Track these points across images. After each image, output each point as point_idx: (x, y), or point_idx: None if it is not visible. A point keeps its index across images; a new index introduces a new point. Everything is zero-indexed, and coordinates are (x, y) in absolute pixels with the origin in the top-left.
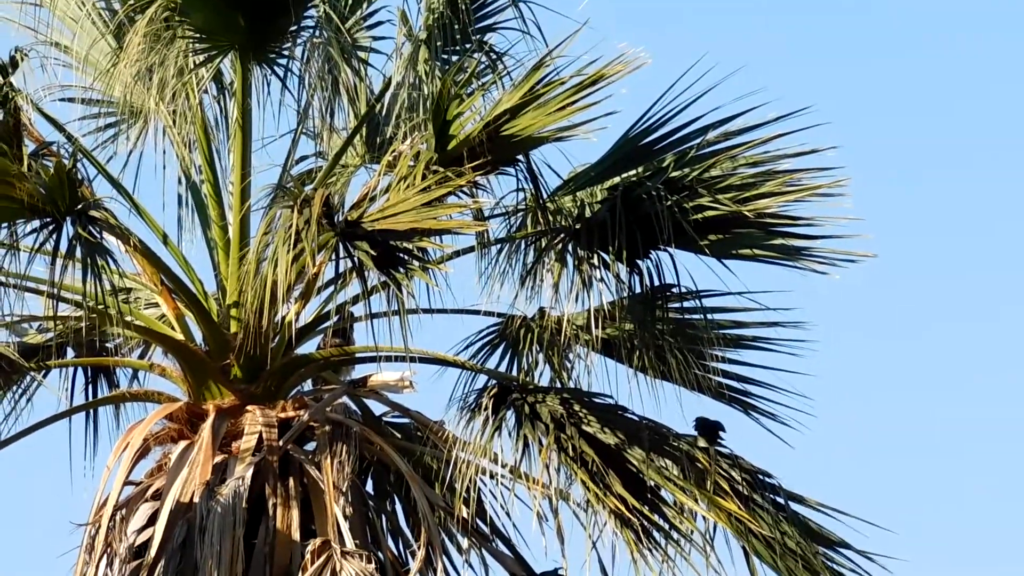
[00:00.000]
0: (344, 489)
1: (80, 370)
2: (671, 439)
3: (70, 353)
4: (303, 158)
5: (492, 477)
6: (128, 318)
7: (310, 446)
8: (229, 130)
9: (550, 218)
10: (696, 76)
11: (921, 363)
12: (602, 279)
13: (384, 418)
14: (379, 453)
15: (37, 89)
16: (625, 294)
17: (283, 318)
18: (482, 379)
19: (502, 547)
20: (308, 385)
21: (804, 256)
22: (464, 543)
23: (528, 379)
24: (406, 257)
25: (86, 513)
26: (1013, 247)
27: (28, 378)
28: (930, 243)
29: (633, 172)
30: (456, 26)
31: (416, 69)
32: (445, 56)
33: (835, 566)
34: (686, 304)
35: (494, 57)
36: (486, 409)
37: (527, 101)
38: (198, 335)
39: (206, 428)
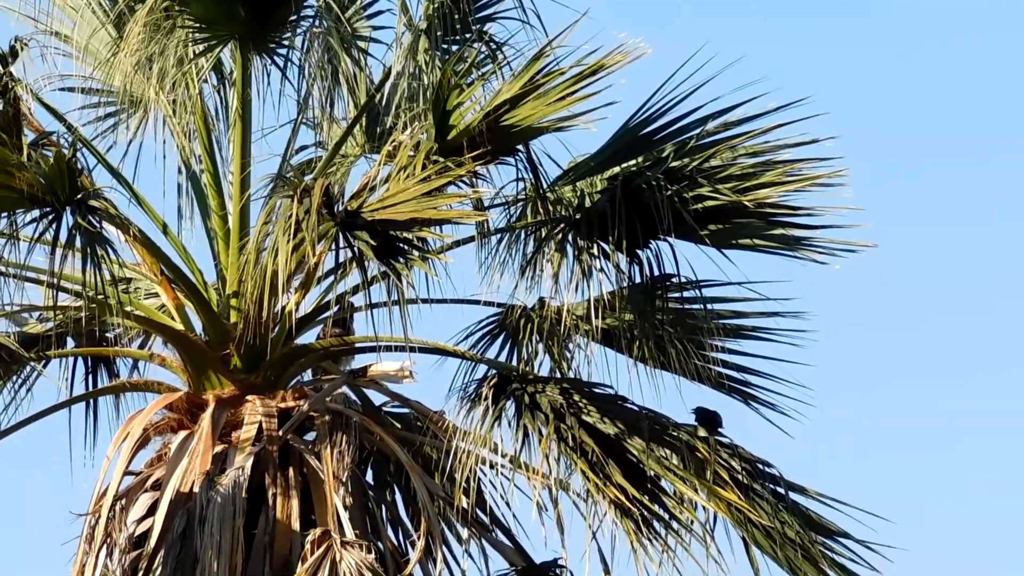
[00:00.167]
0: (344, 479)
1: (80, 360)
2: (671, 429)
3: (70, 343)
4: (303, 148)
5: (492, 467)
6: (128, 308)
7: (310, 436)
8: (229, 120)
9: (550, 208)
10: (696, 66)
11: (921, 355)
12: (602, 269)
13: (384, 408)
14: (379, 443)
15: (37, 78)
16: (625, 284)
17: (283, 308)
18: (482, 369)
19: (502, 537)
20: (308, 375)
21: (804, 246)
22: (464, 533)
23: (528, 369)
24: (406, 247)
25: (86, 503)
26: (1014, 240)
27: (28, 368)
28: (930, 234)
29: (633, 162)
30: (456, 16)
31: (416, 59)
32: (445, 46)
33: (834, 555)
34: (686, 294)
35: (494, 47)
36: (486, 399)
37: (527, 91)
38: (198, 325)
39: (206, 418)
